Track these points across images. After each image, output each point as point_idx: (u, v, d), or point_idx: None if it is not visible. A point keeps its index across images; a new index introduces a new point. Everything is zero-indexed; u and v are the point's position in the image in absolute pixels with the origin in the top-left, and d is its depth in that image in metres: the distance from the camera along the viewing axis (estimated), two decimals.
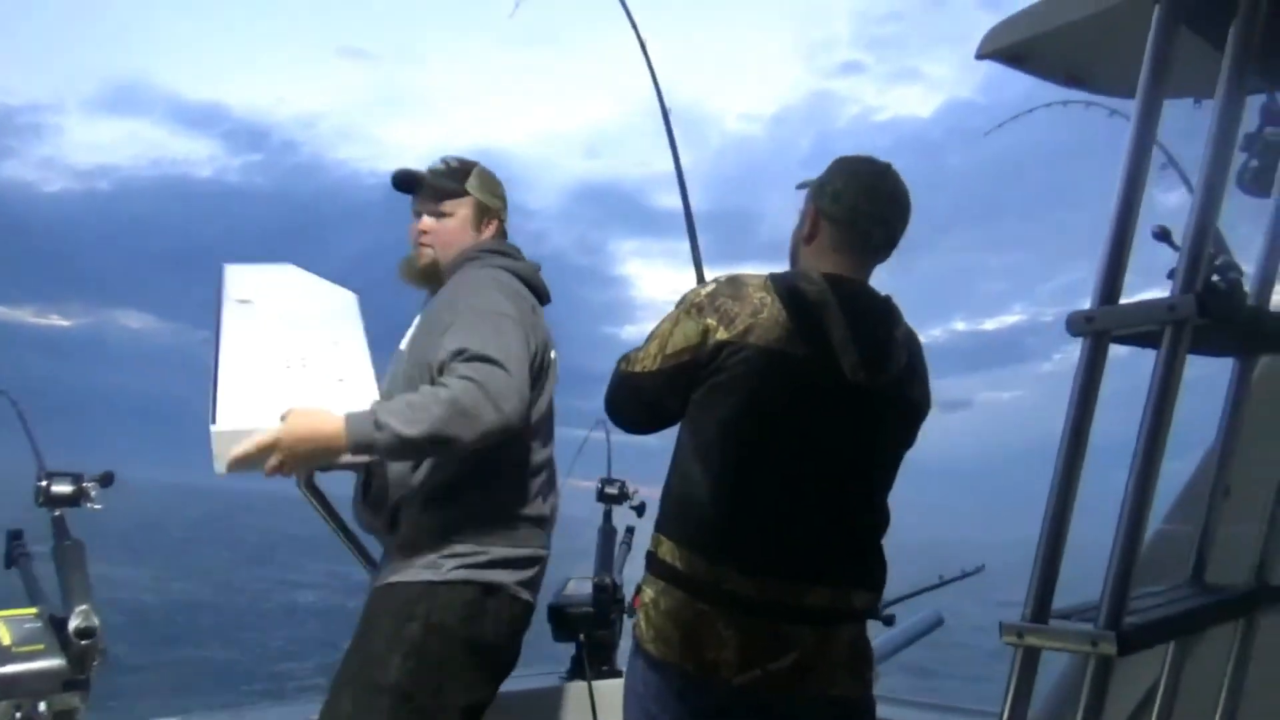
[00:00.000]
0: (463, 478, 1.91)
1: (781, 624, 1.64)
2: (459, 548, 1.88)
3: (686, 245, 2.22)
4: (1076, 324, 1.00)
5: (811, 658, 1.65)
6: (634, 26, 2.95)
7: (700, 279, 2.17)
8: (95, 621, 1.86)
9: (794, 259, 1.87)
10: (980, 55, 1.49)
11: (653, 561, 1.74)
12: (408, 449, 1.76)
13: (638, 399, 1.82)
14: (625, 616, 2.61)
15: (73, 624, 1.85)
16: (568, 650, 2.75)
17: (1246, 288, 1.26)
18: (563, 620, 2.75)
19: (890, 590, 2.58)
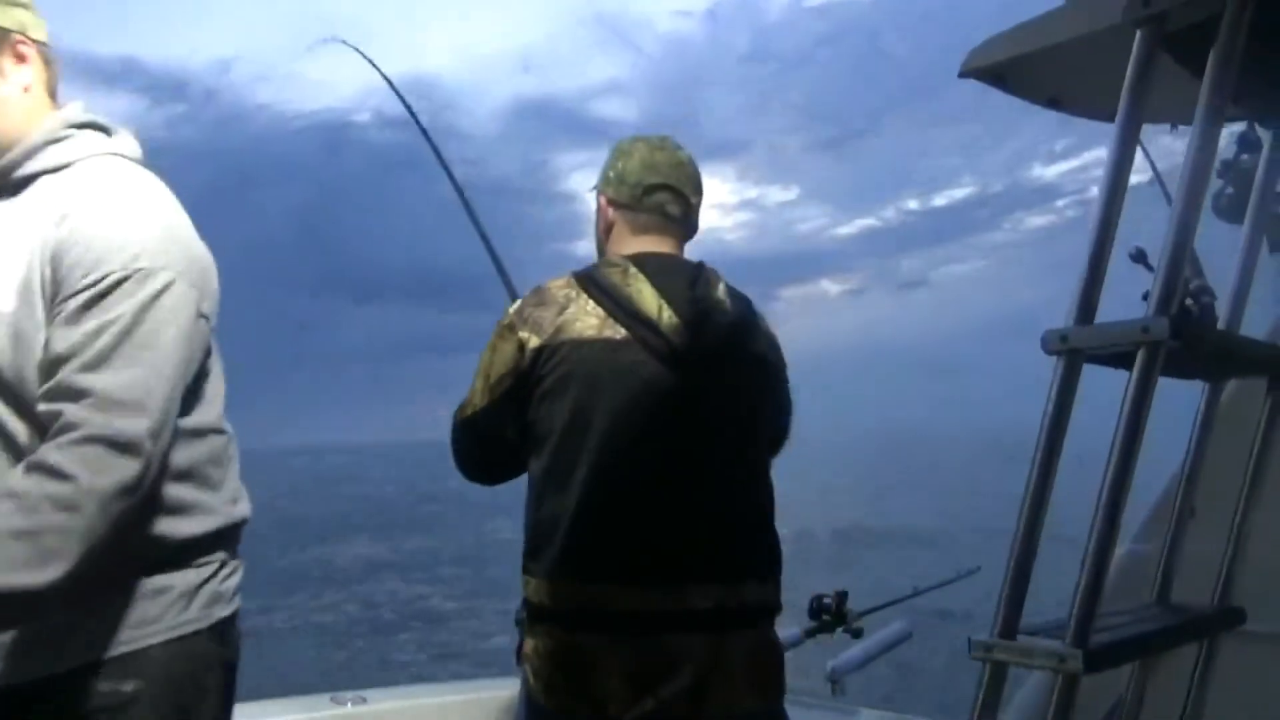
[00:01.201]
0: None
1: (666, 635, 1.52)
2: None
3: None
4: (1051, 343, 1.01)
5: (706, 672, 1.52)
6: None
7: (513, 297, 2.10)
8: None
9: (600, 256, 1.80)
10: (962, 73, 1.50)
11: (527, 608, 1.62)
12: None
13: (477, 439, 1.73)
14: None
15: None
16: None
17: (1218, 311, 1.28)
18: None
19: (864, 600, 2.58)
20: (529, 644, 1.61)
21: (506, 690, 2.60)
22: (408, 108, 2.66)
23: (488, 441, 1.73)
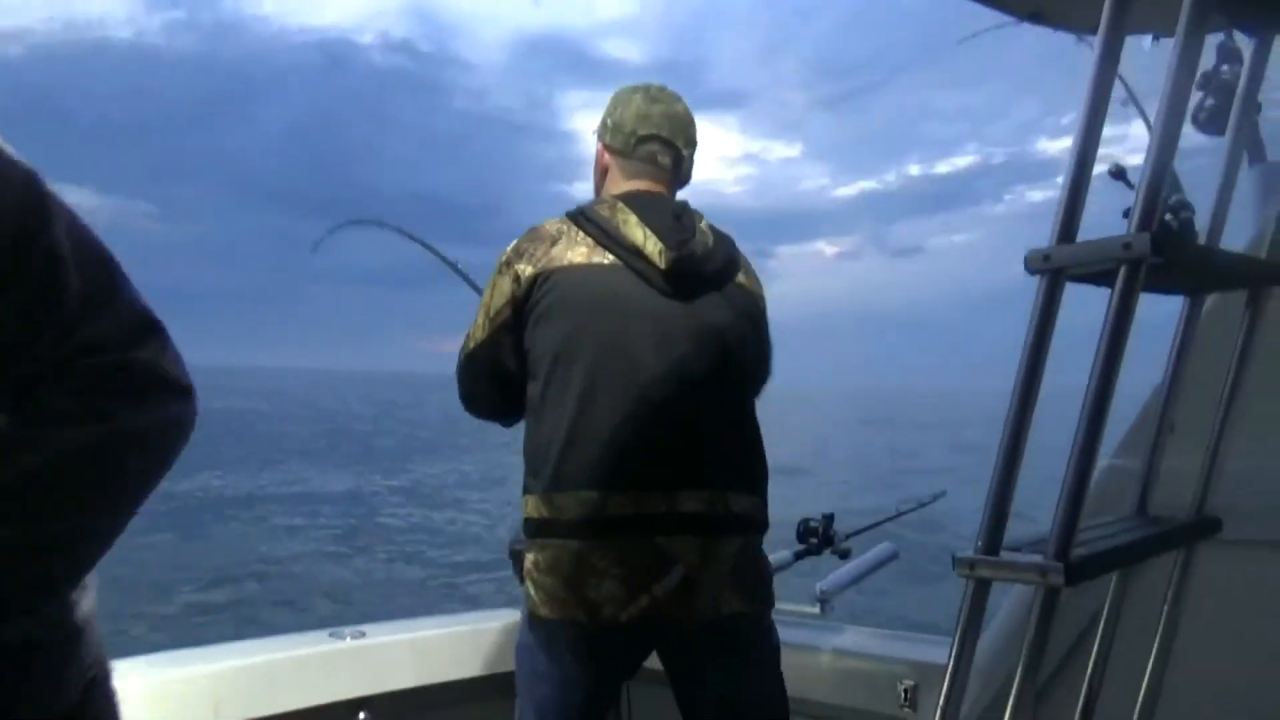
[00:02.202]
0: None
1: (659, 536, 1.61)
2: None
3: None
4: (1034, 262, 1.01)
5: (696, 571, 1.61)
6: None
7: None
8: None
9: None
10: None
11: (525, 526, 1.71)
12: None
13: (480, 372, 1.80)
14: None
15: None
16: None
17: (1197, 226, 1.27)
18: (520, 558, 2.79)
19: (849, 523, 2.63)
20: (528, 560, 1.70)
21: (505, 620, 2.65)
22: None
23: (488, 375, 1.80)
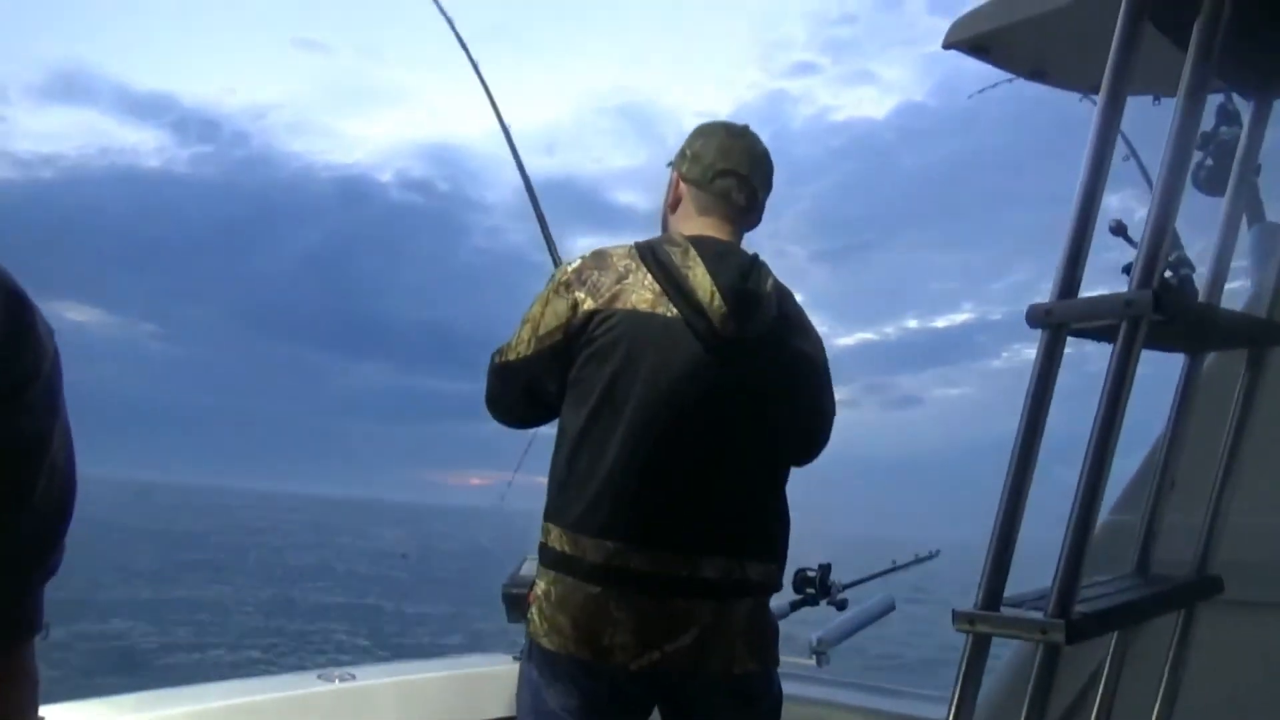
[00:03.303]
0: None
1: (677, 599, 1.60)
2: None
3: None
4: (1035, 316, 1.01)
5: (710, 633, 1.61)
6: (465, 50, 2.88)
7: (556, 264, 2.17)
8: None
9: (664, 228, 1.87)
10: (946, 45, 1.49)
11: (543, 552, 1.69)
12: None
13: (515, 386, 1.78)
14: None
15: None
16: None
17: (1198, 284, 1.28)
18: (515, 602, 2.76)
19: (844, 575, 2.61)
20: (540, 586, 1.69)
21: (497, 666, 2.61)
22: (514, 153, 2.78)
23: (524, 389, 1.78)
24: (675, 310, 1.65)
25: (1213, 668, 1.38)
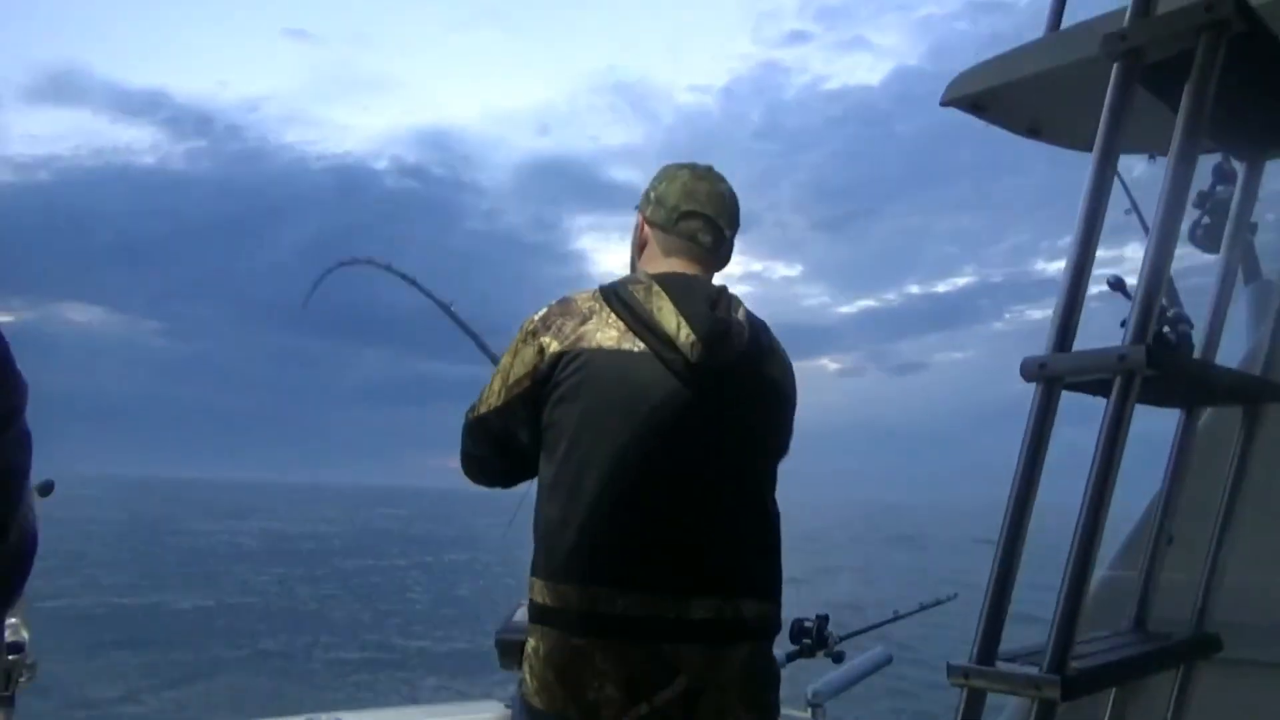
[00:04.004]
0: None
1: (664, 644, 1.54)
2: None
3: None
4: (1030, 370, 1.02)
5: (701, 682, 1.54)
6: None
7: (494, 361, 2.16)
8: (24, 635, 1.80)
9: (632, 270, 1.84)
10: (944, 102, 1.52)
11: (531, 609, 1.64)
12: None
13: (489, 439, 1.75)
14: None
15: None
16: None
17: (1194, 340, 1.29)
18: (507, 649, 2.73)
19: (847, 624, 2.58)
20: (529, 644, 1.63)
21: (486, 714, 2.57)
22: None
23: (497, 442, 1.74)
24: (643, 344, 1.63)
25: None
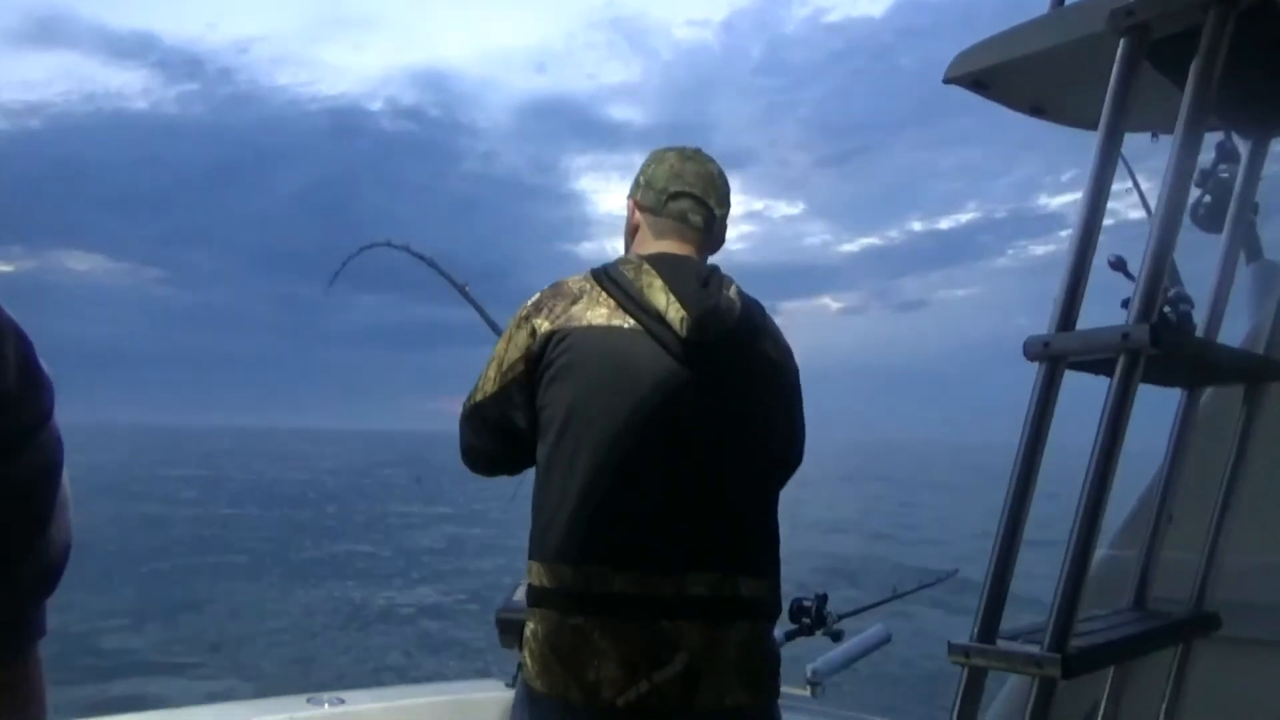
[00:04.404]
0: None
1: (662, 621, 1.54)
2: None
3: (639, 158, 2.14)
4: (1033, 349, 1.02)
5: (701, 661, 1.54)
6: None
7: (497, 333, 2.18)
8: None
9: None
10: (947, 80, 1.50)
11: (529, 593, 1.64)
12: None
13: (486, 428, 1.75)
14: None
15: None
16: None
17: (1196, 319, 1.29)
18: (508, 627, 2.74)
19: (845, 603, 2.59)
20: (528, 627, 1.64)
21: (489, 693, 2.59)
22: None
23: (495, 429, 1.75)
24: (633, 321, 1.63)
25: (1210, 705, 1.37)
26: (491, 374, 1.72)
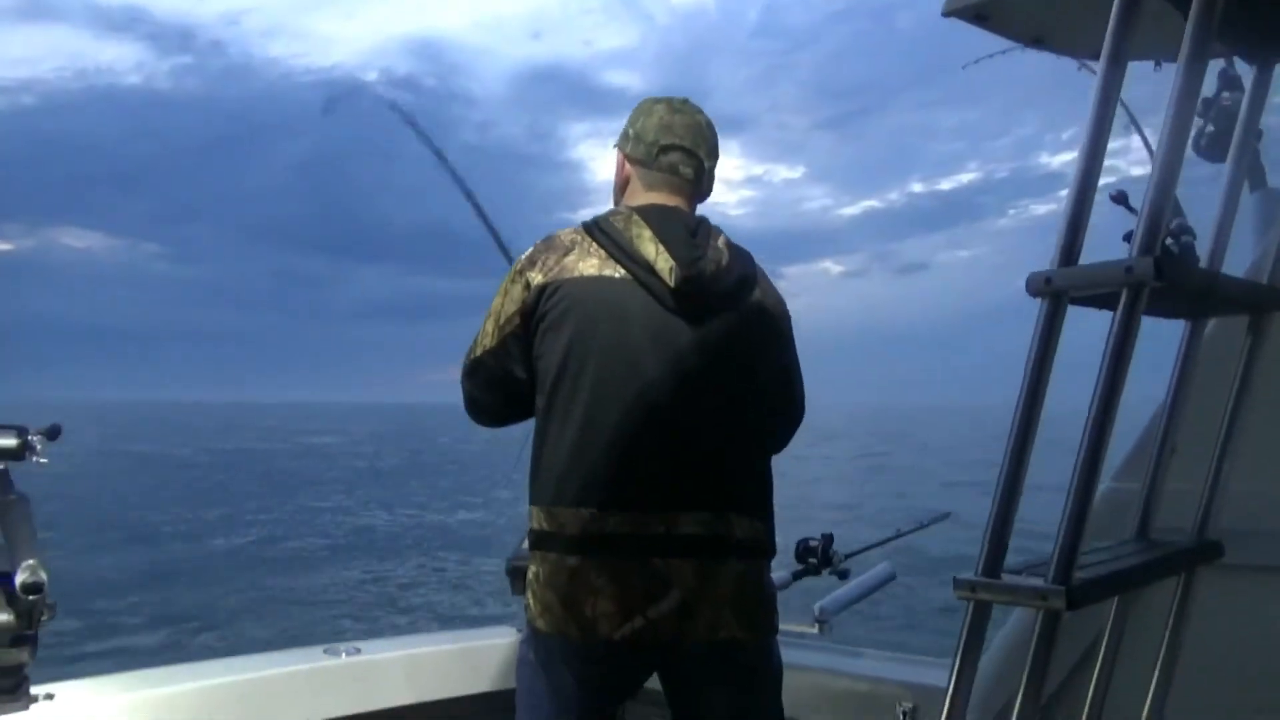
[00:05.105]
0: None
1: (656, 558, 1.59)
2: None
3: None
4: (1035, 285, 1.01)
5: (694, 596, 1.59)
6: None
7: (509, 260, 2.17)
8: (42, 576, 1.83)
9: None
10: (945, 13, 1.47)
11: (530, 537, 1.70)
12: None
13: (486, 379, 1.78)
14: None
15: (19, 579, 1.82)
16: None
17: (1199, 251, 1.28)
18: (518, 574, 2.79)
19: (848, 543, 2.62)
20: (530, 570, 1.70)
21: (502, 638, 2.64)
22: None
23: (496, 382, 1.78)
24: (623, 270, 1.66)
25: (1213, 632, 1.39)
26: (489, 329, 1.76)
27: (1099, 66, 1.02)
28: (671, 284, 1.64)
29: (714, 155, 1.84)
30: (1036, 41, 1.43)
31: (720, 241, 1.74)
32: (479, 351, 1.78)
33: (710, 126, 1.84)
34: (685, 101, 1.84)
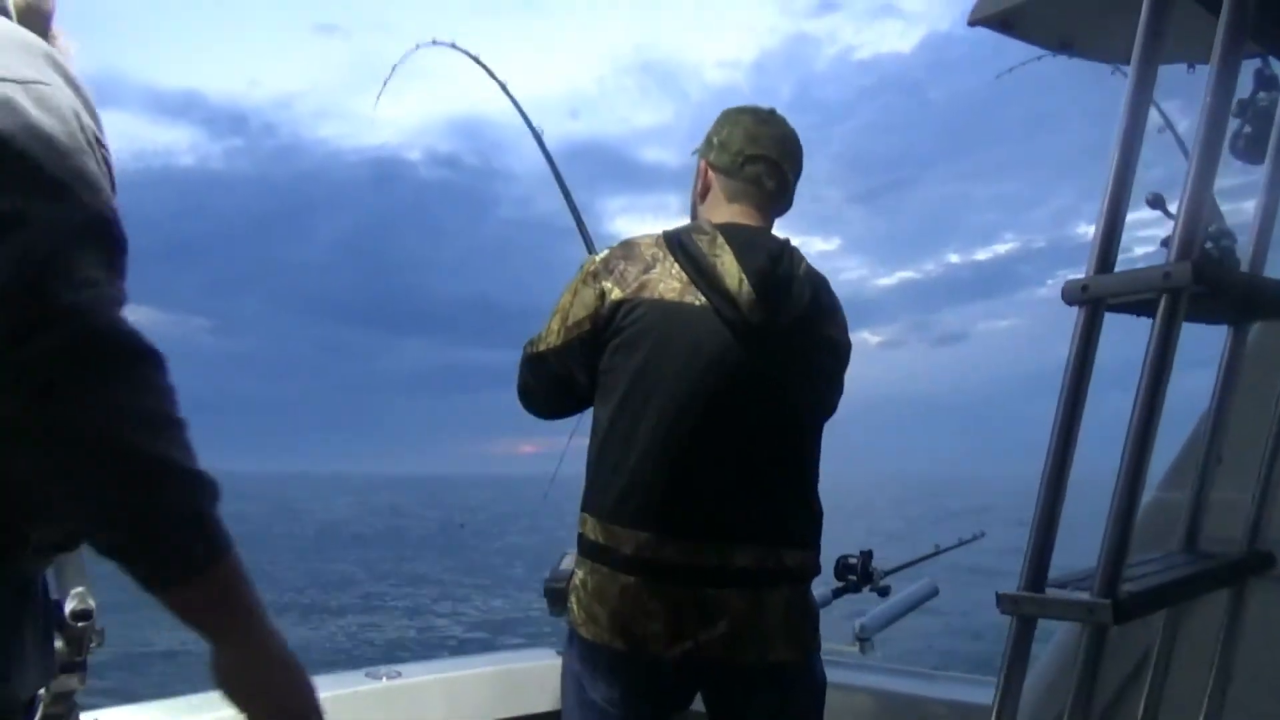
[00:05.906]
0: None
1: (708, 589, 1.59)
2: None
3: (673, 199, 2.17)
4: (1071, 293, 1.00)
5: (744, 623, 1.60)
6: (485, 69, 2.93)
7: (590, 250, 2.18)
8: (91, 604, 1.85)
9: (693, 217, 1.85)
10: (971, 22, 1.47)
11: (580, 542, 1.70)
12: None
13: (546, 377, 1.78)
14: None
15: (69, 606, 1.84)
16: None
17: (1239, 254, 1.25)
18: (556, 596, 2.78)
19: (887, 560, 2.59)
20: (578, 575, 1.70)
21: (541, 661, 2.63)
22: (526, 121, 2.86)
23: (555, 379, 1.78)
24: (703, 298, 1.64)
25: (1266, 645, 1.35)
26: (555, 326, 1.74)
27: (1130, 69, 1.01)
28: (751, 319, 1.63)
29: (798, 169, 1.81)
30: (1064, 46, 1.42)
31: (802, 270, 1.72)
32: (543, 347, 1.76)
33: (797, 141, 1.82)
34: (772, 112, 1.82)
